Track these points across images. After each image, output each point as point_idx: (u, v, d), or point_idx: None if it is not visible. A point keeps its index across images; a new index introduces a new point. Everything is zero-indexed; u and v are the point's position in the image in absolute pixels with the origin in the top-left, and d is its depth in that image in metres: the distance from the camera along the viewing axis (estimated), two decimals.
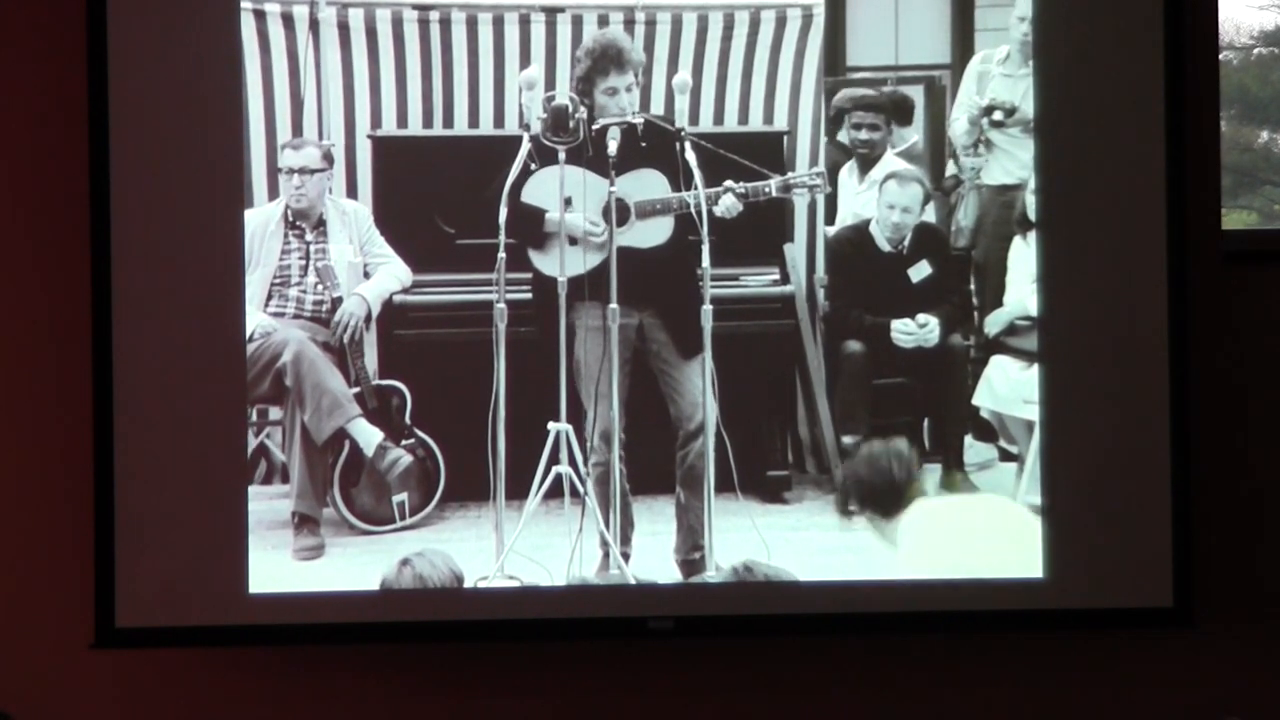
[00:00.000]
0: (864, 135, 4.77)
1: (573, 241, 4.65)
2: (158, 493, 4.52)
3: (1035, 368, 4.64)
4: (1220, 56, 4.92)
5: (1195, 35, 4.73)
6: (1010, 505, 4.67)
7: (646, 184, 4.65)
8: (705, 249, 4.61)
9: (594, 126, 4.63)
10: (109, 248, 4.52)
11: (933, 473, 4.74)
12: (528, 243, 4.66)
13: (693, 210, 4.63)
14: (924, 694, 4.81)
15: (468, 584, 4.58)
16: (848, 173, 4.75)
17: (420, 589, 4.56)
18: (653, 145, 4.65)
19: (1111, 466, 4.61)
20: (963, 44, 4.72)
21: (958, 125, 4.75)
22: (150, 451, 4.52)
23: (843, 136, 4.77)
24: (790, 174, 4.71)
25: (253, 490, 4.59)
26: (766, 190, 4.66)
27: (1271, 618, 4.85)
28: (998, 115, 4.69)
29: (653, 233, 4.66)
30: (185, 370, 4.53)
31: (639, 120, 4.64)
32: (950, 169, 4.78)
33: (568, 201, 4.64)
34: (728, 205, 4.64)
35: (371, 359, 4.68)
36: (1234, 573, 4.81)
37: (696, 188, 4.63)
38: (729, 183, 4.65)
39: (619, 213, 4.63)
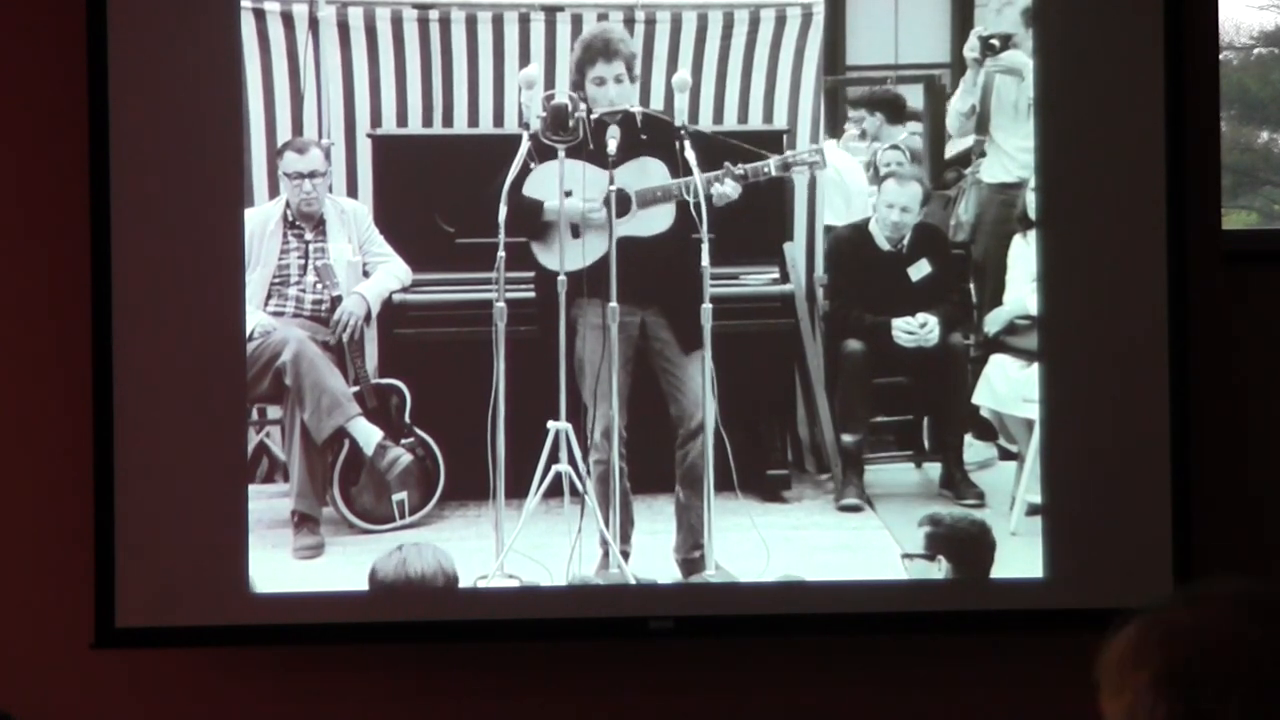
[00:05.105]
0: (860, 129, 4.78)
1: (575, 234, 4.65)
2: (158, 492, 4.52)
3: (1035, 367, 4.64)
4: (1220, 56, 4.92)
5: (1195, 35, 4.73)
6: None
7: (647, 172, 4.65)
8: (705, 247, 4.61)
9: (591, 117, 4.63)
10: (109, 247, 4.51)
11: (933, 472, 4.74)
12: (528, 235, 4.66)
13: (692, 206, 4.63)
14: (924, 694, 4.80)
15: (468, 583, 4.58)
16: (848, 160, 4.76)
17: (413, 580, 4.56)
18: (653, 138, 4.65)
19: (1111, 466, 4.61)
20: (963, 43, 4.71)
21: (954, 105, 4.75)
22: (150, 451, 4.52)
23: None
24: (789, 153, 4.71)
25: (252, 489, 4.59)
26: (766, 170, 4.66)
27: None
28: (994, 43, 4.67)
29: (654, 221, 4.65)
30: (185, 369, 4.53)
31: (637, 111, 4.65)
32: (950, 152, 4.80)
33: (567, 194, 4.64)
34: (723, 191, 4.63)
35: (371, 358, 4.68)
36: (1234, 573, 4.79)
37: (696, 185, 4.63)
38: (728, 164, 4.64)
39: (619, 203, 4.63)
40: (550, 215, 4.65)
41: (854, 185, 4.77)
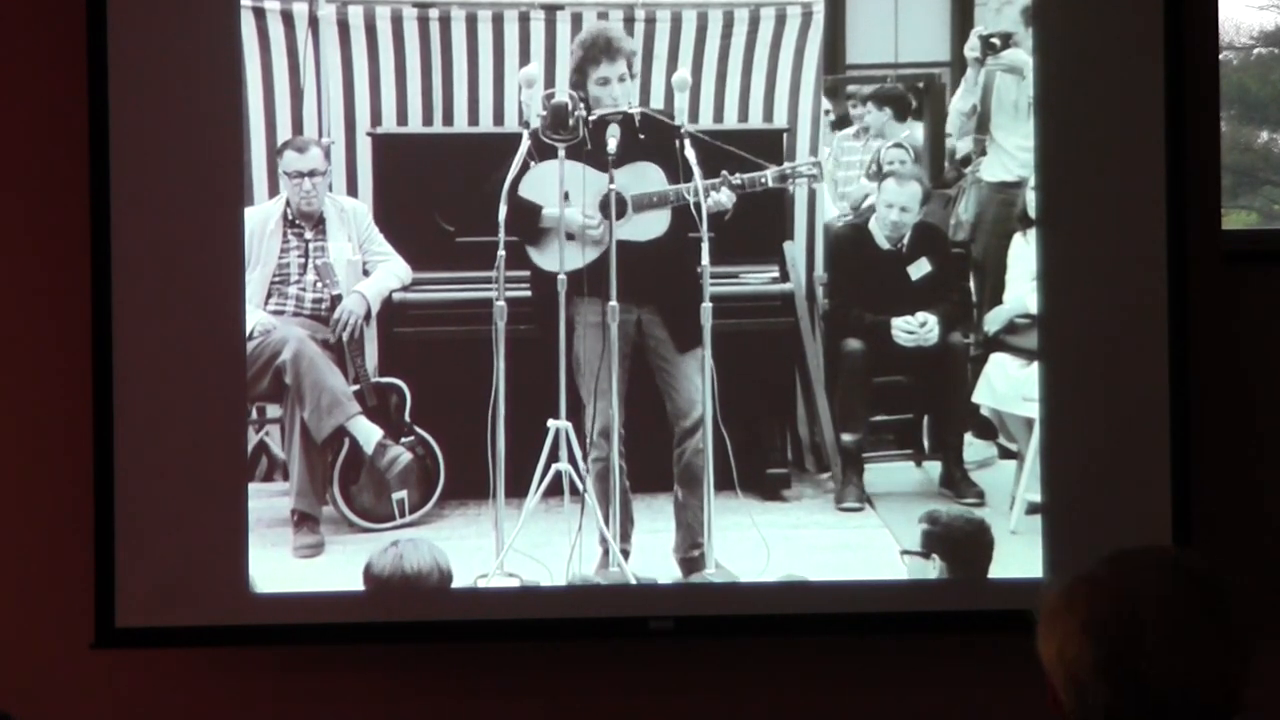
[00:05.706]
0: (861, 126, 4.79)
1: (570, 237, 4.65)
2: (158, 492, 4.51)
3: (1035, 365, 4.64)
4: (1220, 56, 4.92)
5: (1195, 35, 4.73)
6: None
7: (644, 177, 4.65)
8: (705, 246, 4.61)
9: (590, 118, 4.63)
10: (109, 247, 4.51)
11: (933, 471, 4.74)
12: (524, 239, 4.66)
13: (691, 206, 4.63)
14: (924, 694, 4.80)
15: (468, 583, 4.58)
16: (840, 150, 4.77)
17: (408, 575, 4.56)
18: (651, 139, 4.65)
19: (1111, 465, 4.60)
20: (962, 43, 4.72)
21: (955, 104, 4.76)
22: (150, 450, 4.52)
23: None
24: (786, 164, 4.71)
25: (252, 488, 4.58)
26: (763, 180, 4.66)
27: (1271, 618, 4.83)
28: (994, 42, 4.67)
29: (650, 226, 4.65)
30: (185, 368, 4.53)
31: (636, 111, 4.65)
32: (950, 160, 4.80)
33: (565, 196, 4.64)
34: (717, 199, 4.63)
35: (371, 357, 4.68)
36: (1234, 573, 4.79)
37: (697, 184, 4.62)
38: (725, 174, 4.65)
39: (617, 206, 4.63)
40: (548, 222, 4.65)
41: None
